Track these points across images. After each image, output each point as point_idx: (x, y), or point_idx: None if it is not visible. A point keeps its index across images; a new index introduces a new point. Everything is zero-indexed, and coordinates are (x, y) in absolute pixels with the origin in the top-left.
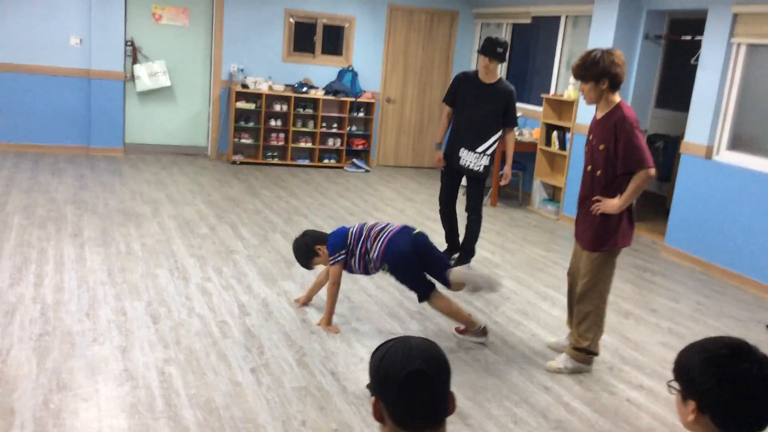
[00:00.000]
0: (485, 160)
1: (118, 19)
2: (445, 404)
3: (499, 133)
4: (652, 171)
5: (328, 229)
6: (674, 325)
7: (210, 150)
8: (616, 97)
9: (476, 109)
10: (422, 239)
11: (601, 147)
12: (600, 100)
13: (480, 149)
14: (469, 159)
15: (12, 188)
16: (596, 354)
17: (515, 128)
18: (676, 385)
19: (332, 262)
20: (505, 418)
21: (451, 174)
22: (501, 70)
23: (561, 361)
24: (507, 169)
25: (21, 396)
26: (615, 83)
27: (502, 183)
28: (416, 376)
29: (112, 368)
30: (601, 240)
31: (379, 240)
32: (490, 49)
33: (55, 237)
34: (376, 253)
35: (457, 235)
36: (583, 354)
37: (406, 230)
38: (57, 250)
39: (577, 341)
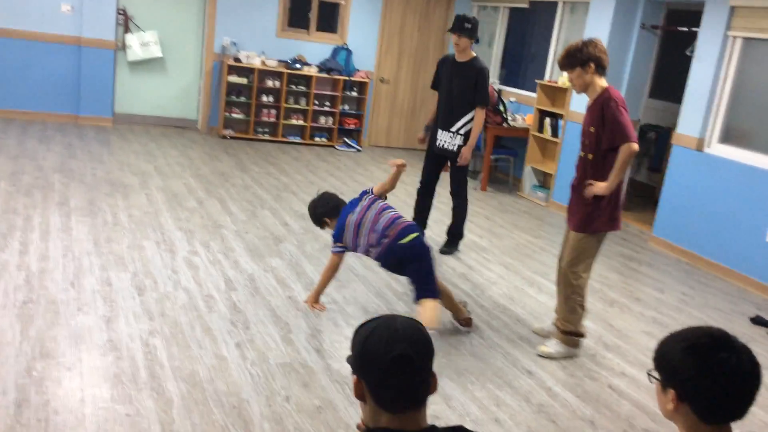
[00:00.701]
0: (459, 140)
1: None
2: (427, 385)
3: (473, 113)
4: (635, 146)
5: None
6: (658, 315)
7: (200, 123)
8: (604, 82)
9: (449, 88)
10: (418, 248)
11: (592, 129)
12: (588, 87)
13: (453, 129)
14: (444, 139)
15: None
16: (583, 336)
17: (484, 107)
18: (656, 374)
19: (332, 249)
20: (488, 400)
21: (431, 156)
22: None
23: (552, 345)
24: (465, 149)
25: (3, 363)
26: (600, 66)
27: (459, 163)
28: (401, 360)
29: (96, 338)
30: (587, 221)
31: (380, 243)
32: (457, 25)
33: (42, 205)
34: (376, 254)
35: (426, 219)
36: (572, 337)
37: (405, 234)
38: (43, 218)
39: (564, 324)
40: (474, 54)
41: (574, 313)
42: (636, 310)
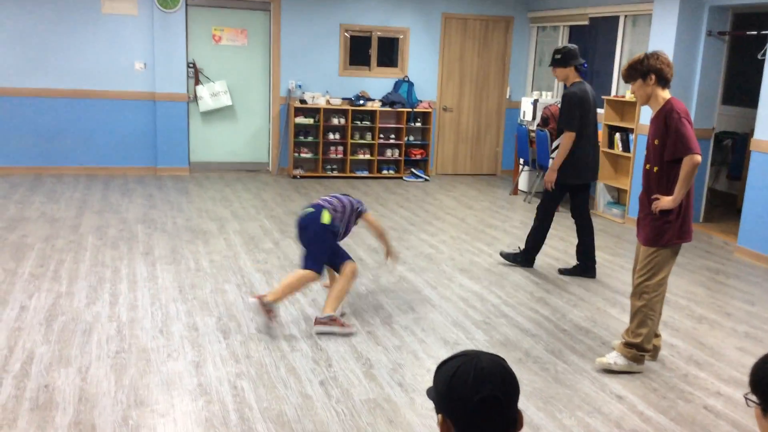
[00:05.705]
0: (549, 162)
1: (180, 42)
2: (514, 422)
3: (559, 139)
4: (698, 157)
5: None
6: (751, 329)
7: (271, 166)
8: (666, 94)
9: None
10: (301, 220)
11: (656, 142)
12: (650, 98)
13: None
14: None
15: (85, 210)
16: (648, 351)
17: (569, 131)
18: (753, 397)
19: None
20: (578, 428)
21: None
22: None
23: (612, 357)
24: (547, 173)
25: (101, 413)
26: (662, 78)
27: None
28: (489, 402)
29: (186, 383)
30: (658, 235)
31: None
32: (551, 59)
33: (128, 256)
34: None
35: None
36: (634, 351)
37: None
38: (130, 268)
39: (630, 336)
40: (577, 80)
41: (643, 327)
42: (727, 326)
